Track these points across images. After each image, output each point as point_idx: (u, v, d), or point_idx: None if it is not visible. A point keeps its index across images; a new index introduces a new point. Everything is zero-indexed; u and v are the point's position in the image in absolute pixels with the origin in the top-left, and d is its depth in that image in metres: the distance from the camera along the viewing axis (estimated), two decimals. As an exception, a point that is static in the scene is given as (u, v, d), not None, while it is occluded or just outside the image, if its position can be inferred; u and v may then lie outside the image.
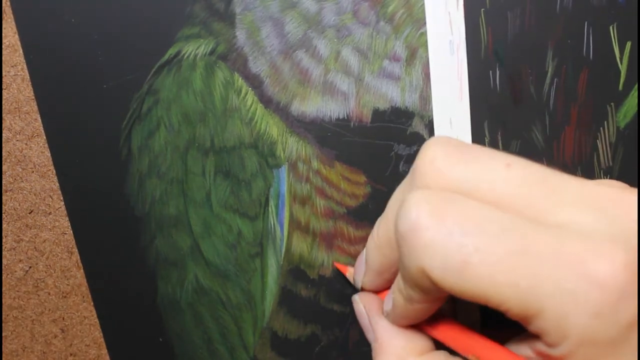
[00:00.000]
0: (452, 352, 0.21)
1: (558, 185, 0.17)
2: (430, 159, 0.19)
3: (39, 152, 0.29)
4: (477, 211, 0.17)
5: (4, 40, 0.27)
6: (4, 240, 0.30)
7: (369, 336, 0.23)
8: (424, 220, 0.16)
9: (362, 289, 0.25)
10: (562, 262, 0.15)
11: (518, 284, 0.16)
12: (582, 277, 0.15)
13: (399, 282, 0.19)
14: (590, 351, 0.16)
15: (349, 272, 0.28)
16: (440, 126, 0.28)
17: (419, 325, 0.21)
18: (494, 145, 0.28)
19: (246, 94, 0.28)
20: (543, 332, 0.16)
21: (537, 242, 0.16)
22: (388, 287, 0.24)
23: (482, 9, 0.27)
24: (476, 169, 0.18)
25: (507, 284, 0.16)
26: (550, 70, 0.28)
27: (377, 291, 0.25)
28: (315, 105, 0.28)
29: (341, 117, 0.28)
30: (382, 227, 0.21)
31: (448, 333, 0.20)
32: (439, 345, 0.22)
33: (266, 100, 0.28)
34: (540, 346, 0.17)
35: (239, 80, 0.28)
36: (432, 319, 0.21)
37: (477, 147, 0.19)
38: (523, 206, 0.17)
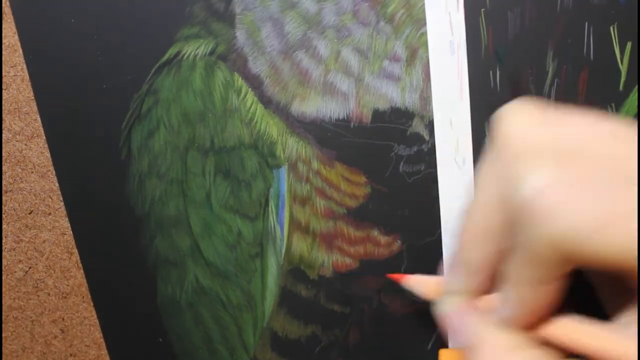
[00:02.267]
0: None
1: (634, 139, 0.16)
2: (516, 127, 0.17)
3: (39, 152, 0.29)
4: (597, 169, 0.15)
5: (4, 41, 0.27)
6: (3, 240, 0.30)
7: (464, 339, 0.20)
8: (549, 183, 0.15)
9: (456, 298, 0.21)
10: None
11: None
12: None
13: (516, 268, 0.17)
14: None
15: (411, 280, 0.25)
16: (440, 126, 0.28)
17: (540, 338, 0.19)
18: (494, 145, 0.28)
19: (246, 94, 0.28)
20: None
21: None
22: (485, 290, 0.21)
23: (483, 9, 0.27)
24: (567, 129, 0.17)
25: None
26: (550, 70, 0.28)
27: (476, 296, 0.21)
28: (315, 106, 0.28)
29: (341, 117, 0.28)
30: (477, 216, 0.19)
31: (566, 331, 0.18)
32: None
33: (266, 101, 0.28)
34: None
35: (239, 81, 0.27)
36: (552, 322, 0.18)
37: (555, 109, 0.18)
38: (624, 162, 0.16)
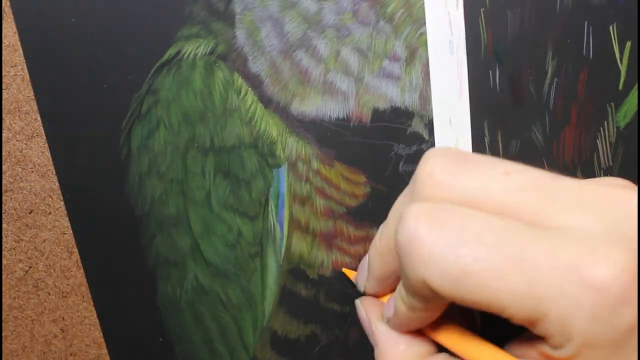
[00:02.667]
0: (453, 354, 0.21)
1: (557, 190, 0.17)
2: (429, 171, 0.19)
3: (39, 152, 0.29)
4: (475, 221, 0.17)
5: (4, 40, 0.27)
6: (4, 240, 0.30)
7: (371, 340, 0.23)
8: (422, 232, 0.17)
9: (365, 293, 0.25)
10: (560, 267, 0.15)
11: (518, 291, 0.16)
12: (579, 281, 0.15)
13: (400, 290, 0.19)
14: (593, 353, 0.16)
15: (354, 276, 0.28)
16: (440, 126, 0.28)
17: (420, 329, 0.21)
18: (494, 145, 0.28)
19: (246, 93, 0.28)
20: (547, 335, 0.16)
21: (534, 248, 0.16)
22: (390, 291, 0.24)
23: (482, 9, 0.27)
24: (475, 179, 0.18)
25: (507, 291, 0.16)
26: (550, 70, 0.28)
27: (379, 296, 0.25)
28: (315, 105, 0.28)
29: (341, 116, 0.28)
30: (384, 235, 0.22)
31: (449, 336, 0.20)
32: (439, 348, 0.22)
33: (266, 100, 0.28)
34: (545, 348, 0.17)
35: (239, 80, 0.28)
36: (434, 322, 0.21)
37: (476, 156, 0.19)
38: (522, 213, 0.17)
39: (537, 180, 0.18)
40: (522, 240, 0.16)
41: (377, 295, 0.25)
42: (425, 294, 0.18)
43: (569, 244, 0.16)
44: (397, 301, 0.20)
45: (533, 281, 0.16)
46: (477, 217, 0.17)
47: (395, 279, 0.22)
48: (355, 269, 0.29)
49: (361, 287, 0.25)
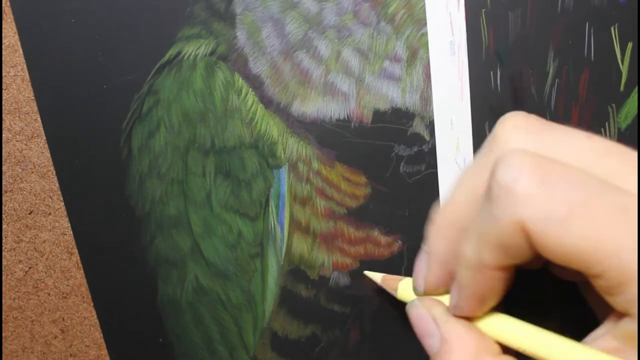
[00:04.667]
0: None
1: (634, 157, 0.17)
2: (513, 126, 0.18)
3: (39, 152, 0.29)
4: (572, 172, 0.16)
5: (4, 40, 0.27)
6: (4, 240, 0.30)
7: (431, 341, 0.21)
8: (528, 171, 0.16)
9: (425, 293, 0.23)
10: None
11: (621, 243, 0.15)
12: None
13: (466, 250, 0.18)
14: None
15: (383, 279, 0.27)
16: (441, 127, 0.28)
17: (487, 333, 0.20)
18: (494, 146, 0.28)
19: (247, 94, 0.28)
20: (634, 302, 0.15)
21: (631, 208, 0.15)
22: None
23: (483, 10, 0.27)
24: (560, 138, 0.18)
25: (611, 241, 0.15)
26: (551, 70, 0.28)
27: (439, 293, 0.23)
28: (315, 106, 0.28)
29: (342, 117, 0.28)
30: (449, 210, 0.20)
31: (518, 335, 0.19)
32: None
33: (267, 101, 0.28)
34: (627, 327, 0.16)
35: (240, 81, 0.27)
36: (498, 322, 0.20)
37: (555, 123, 0.19)
38: (607, 174, 0.17)
39: (618, 148, 0.17)
40: (622, 195, 0.16)
41: (438, 293, 0.23)
42: (512, 242, 0.17)
43: None
44: (461, 270, 0.19)
45: (635, 236, 0.15)
46: (574, 170, 0.16)
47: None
48: (354, 269, 0.29)
49: (420, 285, 0.23)
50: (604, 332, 0.18)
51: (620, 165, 0.17)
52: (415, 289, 0.23)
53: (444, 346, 0.20)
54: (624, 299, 0.16)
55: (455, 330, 0.20)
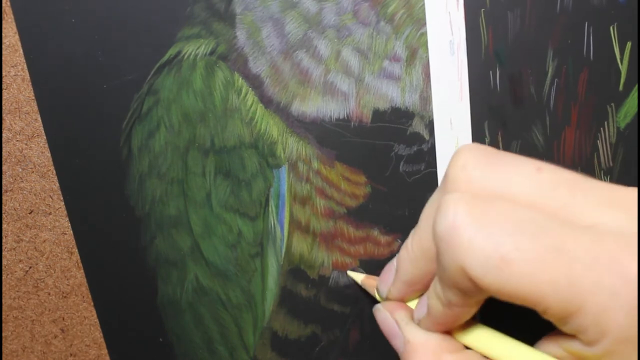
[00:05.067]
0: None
1: (589, 188, 0.17)
2: (462, 166, 0.19)
3: (39, 152, 0.29)
4: (513, 211, 0.17)
5: (4, 40, 0.27)
6: (4, 240, 0.30)
7: (397, 342, 0.23)
8: (462, 220, 0.17)
9: (387, 299, 0.25)
10: (599, 260, 0.16)
11: (558, 281, 0.16)
12: (619, 275, 0.15)
13: (435, 287, 0.19)
14: (628, 349, 0.16)
15: (362, 280, 0.28)
16: (440, 126, 0.28)
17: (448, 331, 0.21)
18: (494, 145, 0.28)
19: (246, 94, 0.28)
20: (581, 330, 0.16)
21: (573, 241, 0.16)
22: (414, 298, 0.24)
23: (483, 9, 0.27)
24: (508, 174, 0.18)
25: (547, 281, 0.16)
26: (550, 70, 0.28)
27: (403, 301, 0.24)
28: (315, 106, 0.28)
29: (341, 117, 0.28)
30: (416, 238, 0.21)
31: (477, 337, 0.20)
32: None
33: (266, 101, 0.28)
34: (575, 346, 0.17)
35: (240, 80, 0.28)
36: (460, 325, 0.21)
37: (507, 154, 0.19)
38: (555, 208, 0.17)
39: (568, 178, 0.18)
40: (561, 232, 0.16)
41: (400, 301, 0.24)
42: (464, 286, 0.17)
43: (606, 239, 0.16)
44: (432, 300, 0.20)
45: (572, 273, 0.16)
46: (515, 208, 0.17)
47: (423, 283, 0.22)
48: (355, 270, 0.29)
49: (384, 293, 0.24)
50: (553, 341, 0.19)
51: (570, 197, 0.17)
52: (379, 293, 0.25)
53: (407, 346, 0.22)
54: (570, 328, 0.17)
55: (417, 331, 0.22)
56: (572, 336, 0.17)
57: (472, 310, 0.19)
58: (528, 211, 0.17)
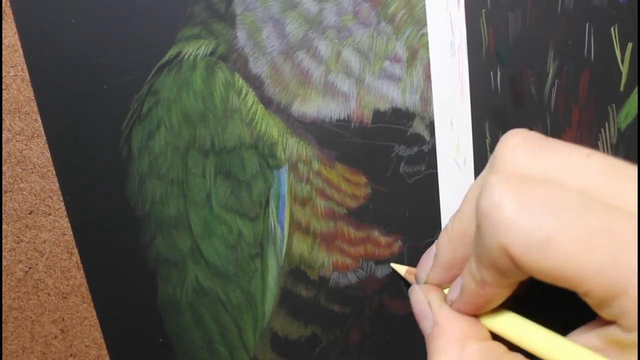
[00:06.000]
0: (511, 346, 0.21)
1: (635, 176, 0.17)
2: (512, 147, 0.19)
3: (39, 152, 0.29)
4: (559, 193, 0.17)
5: (4, 40, 0.27)
6: (4, 240, 0.30)
7: (425, 324, 0.23)
8: (507, 198, 0.17)
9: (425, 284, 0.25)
10: None
11: (602, 262, 0.16)
12: None
13: (471, 266, 0.19)
14: None
15: (406, 271, 0.28)
16: (441, 127, 0.28)
17: (478, 318, 0.21)
18: (495, 146, 0.28)
19: (247, 94, 0.28)
20: (622, 315, 0.16)
21: (620, 224, 0.16)
22: (452, 282, 0.24)
23: (483, 10, 0.27)
24: (557, 159, 0.18)
25: (591, 261, 0.16)
26: (551, 71, 0.28)
27: (440, 286, 0.24)
28: (315, 106, 0.28)
29: (342, 118, 0.28)
30: (457, 221, 0.21)
31: (506, 324, 0.20)
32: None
33: (267, 101, 0.28)
34: (612, 332, 0.17)
35: (240, 81, 0.27)
36: (491, 311, 0.21)
37: (557, 140, 0.19)
38: (603, 194, 0.17)
39: (617, 166, 0.18)
40: (607, 215, 0.16)
41: (438, 286, 0.24)
42: (502, 265, 0.17)
43: None
44: (466, 279, 0.20)
45: (618, 254, 0.16)
46: (561, 190, 0.17)
47: (461, 267, 0.22)
48: (355, 269, 0.29)
49: (422, 278, 0.24)
50: (589, 330, 0.18)
51: (619, 183, 0.17)
52: (417, 279, 0.25)
53: (435, 328, 0.22)
54: (611, 312, 0.16)
55: (447, 314, 0.21)
56: (609, 323, 0.17)
57: (506, 293, 0.19)
58: (574, 194, 0.17)
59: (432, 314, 0.22)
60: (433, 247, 0.24)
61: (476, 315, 0.21)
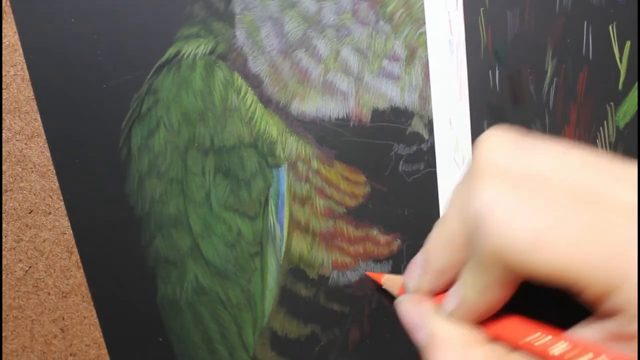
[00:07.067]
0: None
1: (616, 169, 0.17)
2: (489, 151, 0.19)
3: (39, 152, 0.29)
4: (544, 192, 0.17)
5: (4, 40, 0.27)
6: (4, 240, 0.30)
7: (420, 335, 0.22)
8: (495, 202, 0.17)
9: (414, 293, 0.24)
10: (635, 236, 0.16)
11: (595, 259, 0.16)
12: None
13: (467, 274, 0.19)
14: None
15: (384, 279, 0.28)
16: (439, 126, 0.28)
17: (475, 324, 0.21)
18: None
19: (246, 93, 0.28)
20: (620, 307, 0.16)
21: (608, 218, 0.16)
22: (443, 290, 0.23)
23: (482, 9, 0.27)
24: (536, 156, 0.18)
25: (584, 260, 0.16)
26: (549, 69, 0.28)
27: (432, 294, 0.24)
28: (314, 105, 0.28)
29: (341, 116, 0.28)
30: (444, 228, 0.21)
31: (505, 326, 0.20)
32: None
33: (266, 100, 0.28)
34: (612, 325, 0.17)
35: (239, 80, 0.28)
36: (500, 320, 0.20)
37: (534, 137, 0.19)
38: (585, 189, 0.17)
39: (596, 160, 0.18)
40: (594, 211, 0.16)
41: (429, 294, 0.24)
42: (498, 268, 0.17)
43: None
44: (463, 288, 0.20)
45: (609, 249, 0.16)
46: (546, 189, 0.17)
47: (453, 272, 0.22)
48: (354, 269, 0.29)
49: (412, 286, 0.24)
50: (589, 326, 0.18)
51: (600, 177, 0.17)
52: (406, 288, 0.24)
53: (432, 339, 0.21)
54: (609, 306, 0.16)
55: (443, 323, 0.21)
56: (608, 317, 0.17)
57: (505, 296, 0.19)
58: (559, 191, 0.17)
59: (426, 325, 0.22)
60: (419, 255, 0.23)
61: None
